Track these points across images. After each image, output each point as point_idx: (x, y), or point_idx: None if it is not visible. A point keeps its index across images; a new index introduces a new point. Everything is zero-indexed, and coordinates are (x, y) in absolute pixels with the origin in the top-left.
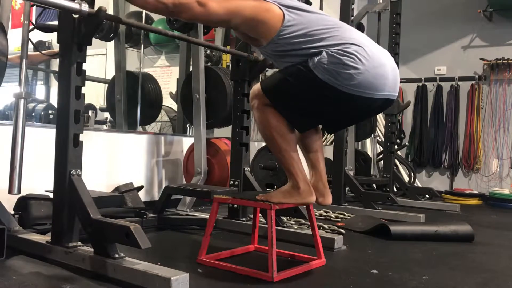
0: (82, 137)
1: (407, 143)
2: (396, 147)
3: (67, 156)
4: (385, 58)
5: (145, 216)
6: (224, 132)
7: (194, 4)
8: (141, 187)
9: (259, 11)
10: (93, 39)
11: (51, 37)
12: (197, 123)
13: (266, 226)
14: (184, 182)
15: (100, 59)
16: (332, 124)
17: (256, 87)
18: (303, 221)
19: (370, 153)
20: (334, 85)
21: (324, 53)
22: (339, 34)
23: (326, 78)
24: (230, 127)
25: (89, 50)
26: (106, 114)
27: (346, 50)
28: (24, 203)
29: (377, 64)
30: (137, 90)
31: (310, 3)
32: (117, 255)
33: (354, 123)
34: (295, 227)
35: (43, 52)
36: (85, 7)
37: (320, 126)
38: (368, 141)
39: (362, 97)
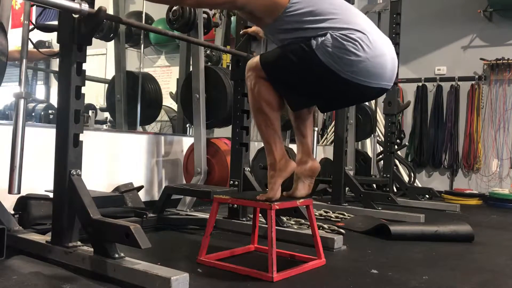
0: (82, 137)
1: (407, 143)
2: (396, 147)
3: (67, 156)
4: (386, 47)
5: (145, 216)
6: (224, 132)
7: None
8: (141, 187)
9: None
10: (93, 39)
11: (51, 37)
12: (197, 123)
13: (266, 226)
14: (184, 182)
15: (100, 59)
16: (325, 104)
17: (254, 59)
18: (303, 221)
19: (370, 153)
20: (333, 69)
21: (328, 35)
22: (345, 18)
23: (327, 60)
24: (230, 127)
25: (89, 50)
26: (106, 114)
27: (350, 36)
28: (24, 203)
29: (378, 53)
30: (137, 90)
31: None
32: (117, 255)
33: (347, 106)
34: (295, 227)
35: (42, 50)
36: (85, 7)
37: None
38: (368, 141)
39: (358, 84)
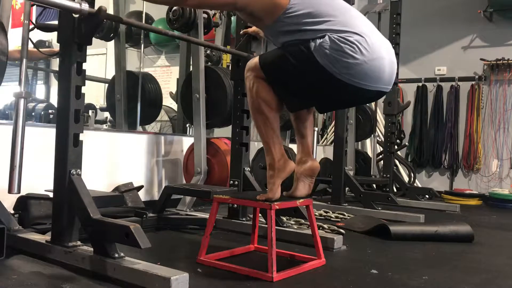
0: (82, 136)
1: (407, 143)
2: (396, 147)
3: (67, 155)
4: (384, 50)
5: (145, 216)
6: (224, 132)
7: None
8: (141, 187)
9: None
10: (93, 39)
11: (51, 37)
12: (197, 123)
13: (266, 226)
14: (184, 182)
15: (100, 59)
16: (323, 105)
17: (254, 60)
18: (303, 221)
19: (370, 153)
20: (330, 71)
21: (327, 37)
22: (344, 20)
23: (324, 63)
24: (230, 127)
25: (89, 50)
26: (106, 114)
27: (348, 38)
28: (24, 202)
29: (376, 56)
30: (137, 90)
31: None
32: (117, 255)
33: (345, 107)
34: (295, 227)
35: (42, 50)
36: (85, 6)
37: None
38: (368, 141)
39: (356, 87)
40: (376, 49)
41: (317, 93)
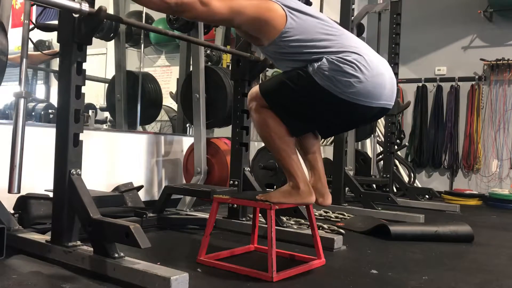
0: (82, 136)
1: (407, 144)
2: (396, 147)
3: (67, 155)
4: (383, 67)
5: (144, 216)
6: (224, 132)
7: (197, 4)
8: (140, 187)
9: (262, 11)
10: (93, 39)
11: (51, 37)
12: (197, 123)
13: (266, 226)
14: (184, 182)
15: (100, 59)
16: (327, 129)
17: (255, 89)
18: (303, 221)
19: (370, 153)
20: (333, 92)
21: (324, 60)
22: (340, 41)
23: (325, 84)
24: (230, 127)
25: (89, 50)
26: (106, 114)
27: (346, 58)
28: (24, 202)
29: (376, 73)
30: (137, 89)
31: (310, 4)
32: (116, 255)
33: (349, 129)
34: (295, 227)
35: (44, 52)
36: (85, 6)
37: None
38: (368, 141)
39: (359, 105)
40: (375, 66)
41: (319, 115)
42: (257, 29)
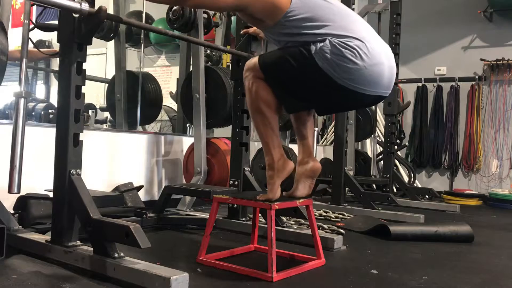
0: (82, 136)
1: (407, 144)
2: (396, 147)
3: (67, 155)
4: (384, 56)
5: (144, 216)
6: (224, 132)
7: None
8: (140, 187)
9: None
10: (93, 39)
11: (51, 37)
12: (197, 123)
13: (266, 226)
14: (184, 181)
15: (100, 59)
16: (322, 108)
17: (253, 60)
18: (302, 221)
19: (370, 153)
20: (330, 75)
21: (327, 41)
22: (344, 24)
23: (324, 66)
24: (230, 127)
25: (89, 50)
26: (106, 114)
27: (348, 43)
28: (24, 202)
29: (376, 62)
30: (137, 89)
31: None
32: (116, 255)
33: (343, 111)
34: (295, 227)
35: (42, 50)
36: (85, 6)
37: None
38: (368, 141)
39: (355, 92)
40: (376, 54)
41: (315, 95)
42: (262, 11)
